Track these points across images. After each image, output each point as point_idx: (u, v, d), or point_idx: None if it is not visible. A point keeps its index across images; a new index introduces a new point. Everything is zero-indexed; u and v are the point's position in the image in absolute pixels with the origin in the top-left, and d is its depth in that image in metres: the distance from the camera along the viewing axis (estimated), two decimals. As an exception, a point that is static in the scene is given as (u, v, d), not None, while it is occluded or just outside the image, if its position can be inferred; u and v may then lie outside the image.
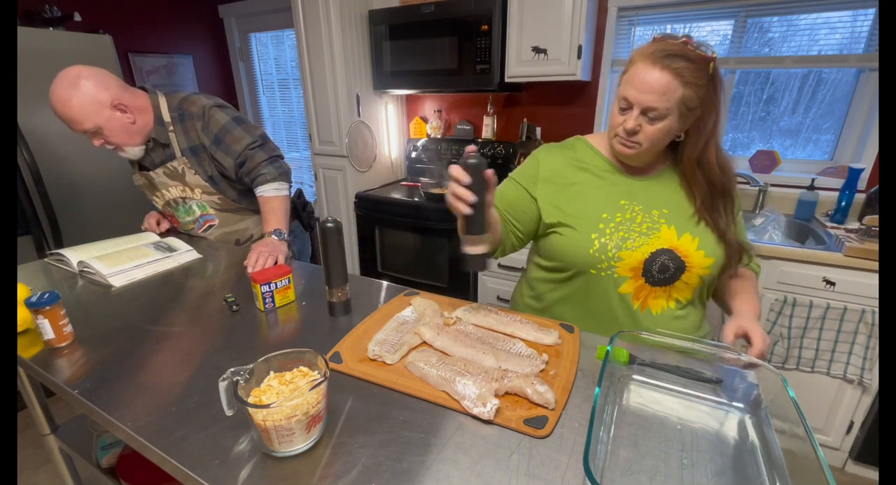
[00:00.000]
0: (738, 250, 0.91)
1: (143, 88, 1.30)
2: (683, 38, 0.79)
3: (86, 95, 1.13)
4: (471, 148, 0.74)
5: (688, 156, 0.88)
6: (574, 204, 0.93)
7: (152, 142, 1.31)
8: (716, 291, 1.02)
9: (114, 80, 1.20)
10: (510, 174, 1.02)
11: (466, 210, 0.73)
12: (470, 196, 0.72)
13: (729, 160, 0.89)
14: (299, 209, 1.63)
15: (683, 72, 0.77)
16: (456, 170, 0.72)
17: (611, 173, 0.95)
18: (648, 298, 0.91)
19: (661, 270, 0.88)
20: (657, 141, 0.84)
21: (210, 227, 1.47)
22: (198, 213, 1.44)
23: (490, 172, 0.72)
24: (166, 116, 1.30)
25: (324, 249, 0.91)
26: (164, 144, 1.32)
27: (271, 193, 1.34)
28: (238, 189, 1.44)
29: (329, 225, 0.89)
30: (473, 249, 0.79)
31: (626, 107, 0.83)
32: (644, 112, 0.81)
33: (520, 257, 1.98)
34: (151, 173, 1.36)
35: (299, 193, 1.70)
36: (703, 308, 0.99)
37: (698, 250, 0.88)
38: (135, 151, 1.29)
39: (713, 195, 0.89)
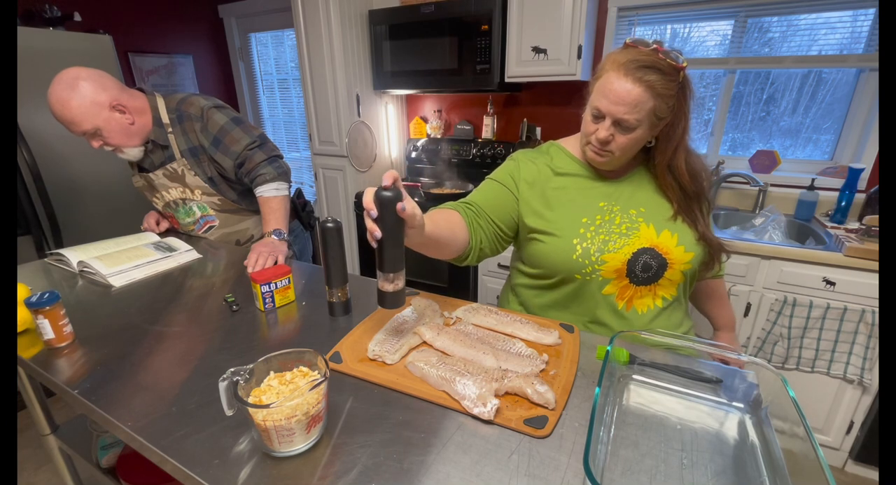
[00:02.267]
0: (718, 249, 0.94)
1: (141, 90, 1.30)
2: (654, 45, 0.79)
3: (84, 97, 1.13)
4: (389, 176, 0.65)
5: (659, 161, 0.89)
6: (553, 210, 0.94)
7: (151, 144, 1.31)
8: (693, 295, 1.08)
9: (112, 81, 1.20)
10: (488, 176, 1.01)
11: (373, 243, 0.68)
12: (376, 230, 0.65)
13: (700, 165, 0.91)
14: (299, 209, 1.63)
15: (655, 84, 0.77)
16: (367, 200, 0.65)
17: (586, 177, 0.95)
18: (634, 298, 0.92)
19: (644, 269, 0.89)
20: (628, 150, 0.86)
21: (210, 228, 1.47)
22: (198, 214, 1.44)
23: (402, 206, 0.64)
24: (165, 118, 1.30)
25: (324, 249, 0.91)
26: (163, 146, 1.32)
27: (271, 193, 1.33)
28: (238, 190, 1.44)
29: (329, 225, 0.89)
30: (386, 285, 0.72)
31: (599, 115, 0.83)
32: (616, 123, 0.82)
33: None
34: (151, 175, 1.36)
35: (299, 193, 1.70)
36: (685, 304, 1.01)
37: (678, 246, 0.89)
38: (134, 153, 1.29)
39: (687, 199, 0.91)
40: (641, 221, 0.91)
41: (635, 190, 0.94)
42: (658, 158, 0.89)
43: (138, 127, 1.26)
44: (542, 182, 0.96)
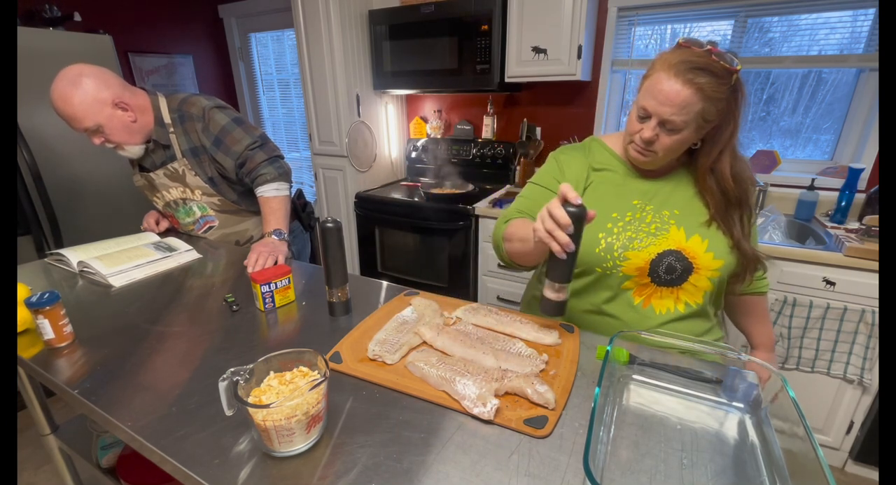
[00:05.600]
0: (753, 261, 0.89)
1: (143, 89, 1.30)
2: (708, 46, 0.77)
3: (87, 93, 1.13)
4: (573, 192, 0.69)
5: (701, 163, 0.88)
6: (587, 204, 0.92)
7: (153, 143, 1.31)
8: (730, 309, 1.05)
9: (115, 78, 1.21)
10: (532, 180, 1.01)
11: (562, 256, 0.71)
12: (571, 245, 0.70)
13: (746, 172, 0.88)
14: (299, 210, 1.63)
15: (705, 87, 0.75)
16: (561, 215, 0.69)
17: (625, 175, 0.95)
18: (653, 297, 0.91)
19: (668, 270, 0.88)
20: (672, 151, 0.84)
21: (210, 228, 1.47)
22: (198, 214, 1.44)
23: (592, 214, 0.70)
24: (167, 118, 1.30)
25: (324, 249, 0.91)
26: (164, 146, 1.32)
27: (271, 194, 1.34)
28: (238, 191, 1.44)
29: (329, 225, 0.89)
30: (555, 295, 0.77)
31: (645, 115, 0.82)
32: (662, 123, 0.80)
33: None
34: (152, 174, 1.36)
35: (299, 194, 1.70)
36: (713, 317, 0.97)
37: (707, 252, 0.87)
38: (135, 150, 1.29)
39: (727, 205, 0.88)
40: (673, 223, 0.89)
41: (673, 191, 0.92)
42: (701, 160, 0.87)
43: (140, 125, 1.26)
44: (582, 178, 0.96)
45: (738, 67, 0.78)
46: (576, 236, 0.70)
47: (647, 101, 0.80)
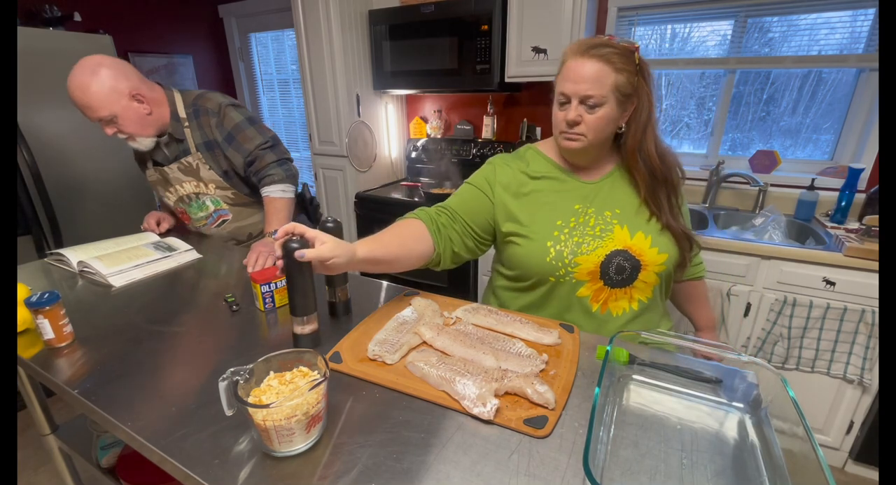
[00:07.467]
0: (683, 238, 0.93)
1: (159, 84, 1.32)
2: (607, 37, 0.84)
3: (104, 84, 1.14)
4: (281, 231, 0.73)
5: (629, 146, 0.91)
6: (528, 214, 0.94)
7: (167, 137, 1.32)
8: (673, 296, 1.10)
9: (133, 71, 1.22)
10: (466, 180, 1.03)
11: (281, 276, 0.79)
12: (280, 270, 0.74)
13: (670, 154, 0.92)
14: (306, 203, 1.64)
15: (612, 57, 0.81)
16: (276, 245, 0.74)
17: (562, 180, 0.96)
18: (609, 301, 0.92)
19: (618, 271, 0.90)
20: (600, 130, 0.87)
21: (223, 222, 1.48)
22: (211, 208, 1.44)
23: (301, 253, 0.71)
24: (182, 112, 1.31)
25: (324, 249, 0.91)
26: (178, 140, 1.33)
27: (277, 194, 1.34)
28: (251, 184, 1.45)
29: (329, 225, 0.89)
30: (296, 328, 0.81)
31: (565, 101, 0.86)
32: (582, 101, 0.84)
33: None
34: (166, 168, 1.37)
35: (304, 187, 1.71)
36: (662, 304, 1.01)
37: (651, 248, 0.90)
38: (146, 143, 1.30)
39: (655, 185, 0.91)
40: (616, 223, 0.92)
41: (611, 191, 0.95)
42: (629, 142, 0.90)
43: (154, 117, 1.27)
44: (517, 186, 0.97)
45: (637, 45, 0.84)
46: (291, 271, 0.74)
47: (563, 87, 0.85)
